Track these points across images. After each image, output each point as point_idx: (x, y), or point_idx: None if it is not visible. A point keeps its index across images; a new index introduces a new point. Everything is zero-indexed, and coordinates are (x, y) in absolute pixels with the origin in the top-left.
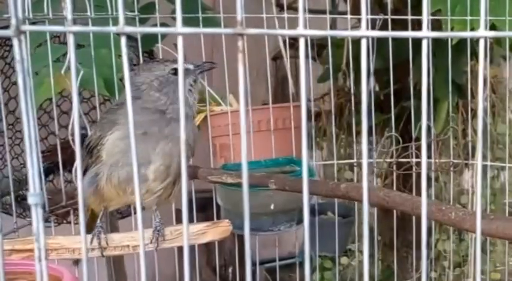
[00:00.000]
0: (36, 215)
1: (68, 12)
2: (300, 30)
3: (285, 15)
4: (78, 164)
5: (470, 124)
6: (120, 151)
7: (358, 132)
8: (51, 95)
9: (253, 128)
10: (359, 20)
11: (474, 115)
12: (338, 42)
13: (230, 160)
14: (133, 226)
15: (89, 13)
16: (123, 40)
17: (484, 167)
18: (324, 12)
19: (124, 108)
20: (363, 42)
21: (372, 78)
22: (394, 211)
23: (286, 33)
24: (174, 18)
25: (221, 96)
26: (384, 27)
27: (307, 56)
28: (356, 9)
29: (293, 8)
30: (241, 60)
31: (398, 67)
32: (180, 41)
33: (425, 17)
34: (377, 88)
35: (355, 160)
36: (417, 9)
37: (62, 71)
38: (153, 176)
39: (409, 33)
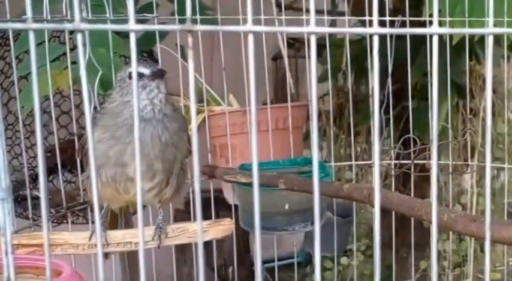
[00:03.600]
0: (3, 209)
1: (28, 10)
2: (249, 26)
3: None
4: (40, 168)
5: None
6: (102, 154)
7: (358, 133)
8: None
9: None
10: (359, 20)
11: (474, 115)
12: (338, 43)
13: (229, 159)
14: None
15: (107, 14)
16: (79, 37)
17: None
18: (323, 12)
19: (101, 110)
20: (312, 39)
21: (389, 78)
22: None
23: (235, 29)
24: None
25: (221, 96)
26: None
27: (304, 57)
28: (357, 10)
29: (293, 8)
30: (191, 56)
31: (398, 67)
32: (132, 38)
33: (376, 14)
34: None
35: (371, 161)
36: (417, 9)
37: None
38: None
39: (361, 30)
